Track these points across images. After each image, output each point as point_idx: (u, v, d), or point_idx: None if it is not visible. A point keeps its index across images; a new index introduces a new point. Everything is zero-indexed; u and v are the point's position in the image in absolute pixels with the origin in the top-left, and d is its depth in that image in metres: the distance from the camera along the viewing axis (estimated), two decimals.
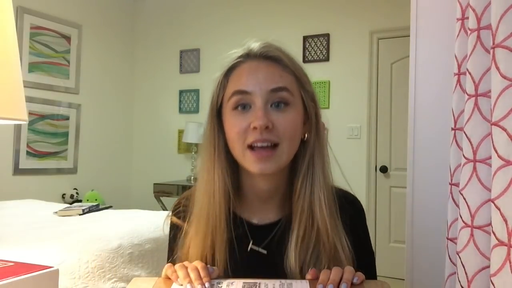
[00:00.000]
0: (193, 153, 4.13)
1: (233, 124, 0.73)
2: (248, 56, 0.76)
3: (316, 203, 0.74)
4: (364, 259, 0.80)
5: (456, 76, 0.88)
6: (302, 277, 0.72)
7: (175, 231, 0.83)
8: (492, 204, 0.68)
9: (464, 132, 0.79)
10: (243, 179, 0.79)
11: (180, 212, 0.82)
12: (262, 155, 0.70)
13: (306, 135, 0.78)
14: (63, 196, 3.78)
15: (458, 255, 0.79)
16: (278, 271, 0.73)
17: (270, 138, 0.70)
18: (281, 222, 0.78)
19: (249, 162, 0.72)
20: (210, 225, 0.74)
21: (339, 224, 0.76)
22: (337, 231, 0.75)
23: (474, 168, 0.76)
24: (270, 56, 0.75)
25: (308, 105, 0.78)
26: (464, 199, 0.78)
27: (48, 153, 3.70)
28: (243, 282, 0.67)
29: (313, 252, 0.73)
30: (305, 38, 3.75)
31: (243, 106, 0.73)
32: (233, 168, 0.78)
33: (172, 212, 0.86)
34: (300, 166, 0.76)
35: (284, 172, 0.78)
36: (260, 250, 0.77)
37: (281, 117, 0.72)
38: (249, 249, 0.76)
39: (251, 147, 0.71)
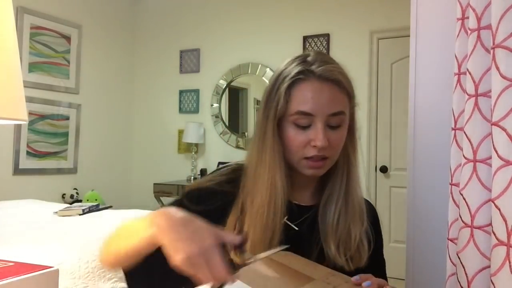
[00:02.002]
0: (193, 153, 4.12)
1: (294, 138, 0.81)
2: (311, 73, 0.81)
3: (350, 193, 0.85)
4: (377, 264, 0.89)
5: (456, 76, 0.88)
6: (340, 257, 0.81)
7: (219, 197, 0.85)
8: (492, 204, 0.68)
9: (464, 132, 0.79)
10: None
11: (232, 182, 0.86)
12: (315, 165, 0.81)
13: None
14: (63, 196, 3.78)
15: (458, 255, 0.79)
16: (303, 248, 0.81)
17: (324, 155, 0.81)
18: (314, 208, 0.87)
19: (303, 168, 0.82)
20: (270, 215, 0.80)
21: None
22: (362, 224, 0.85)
23: (474, 168, 0.76)
24: (332, 79, 0.81)
25: (351, 121, 0.87)
26: (464, 199, 0.78)
27: (48, 153, 3.70)
28: None
29: (347, 235, 0.83)
30: (305, 38, 3.74)
31: (304, 123, 0.80)
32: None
33: (221, 175, 0.88)
34: (338, 163, 0.86)
35: None
36: (293, 226, 0.85)
37: (335, 135, 0.81)
38: (282, 221, 0.83)
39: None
